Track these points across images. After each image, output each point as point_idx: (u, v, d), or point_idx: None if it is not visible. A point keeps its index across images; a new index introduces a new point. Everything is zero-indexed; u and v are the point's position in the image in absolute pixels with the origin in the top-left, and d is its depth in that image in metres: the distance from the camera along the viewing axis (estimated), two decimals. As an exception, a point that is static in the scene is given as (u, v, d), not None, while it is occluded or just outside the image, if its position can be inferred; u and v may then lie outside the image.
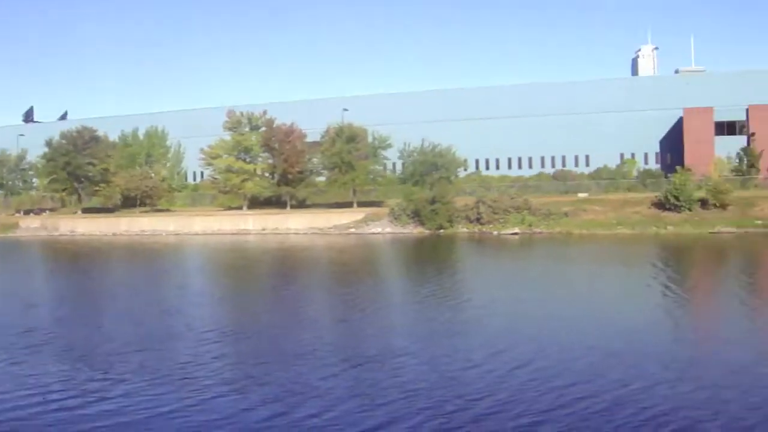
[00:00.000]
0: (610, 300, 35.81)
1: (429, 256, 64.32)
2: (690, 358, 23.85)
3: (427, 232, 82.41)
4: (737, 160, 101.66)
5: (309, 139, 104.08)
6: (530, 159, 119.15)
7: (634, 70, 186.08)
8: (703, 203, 78.55)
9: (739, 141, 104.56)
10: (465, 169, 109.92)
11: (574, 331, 27.60)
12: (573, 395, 19.47)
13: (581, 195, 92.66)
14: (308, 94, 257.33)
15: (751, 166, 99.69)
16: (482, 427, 17.35)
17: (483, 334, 27.59)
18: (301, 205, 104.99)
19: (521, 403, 18.94)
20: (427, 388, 20.54)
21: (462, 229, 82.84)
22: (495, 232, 79.43)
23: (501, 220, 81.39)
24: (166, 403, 19.66)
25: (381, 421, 18.00)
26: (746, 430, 16.79)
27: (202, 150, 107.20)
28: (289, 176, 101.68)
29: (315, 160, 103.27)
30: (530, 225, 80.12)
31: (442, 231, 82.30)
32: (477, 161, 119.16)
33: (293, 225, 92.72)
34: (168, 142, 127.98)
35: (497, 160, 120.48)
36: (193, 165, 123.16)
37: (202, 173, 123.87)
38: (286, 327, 30.21)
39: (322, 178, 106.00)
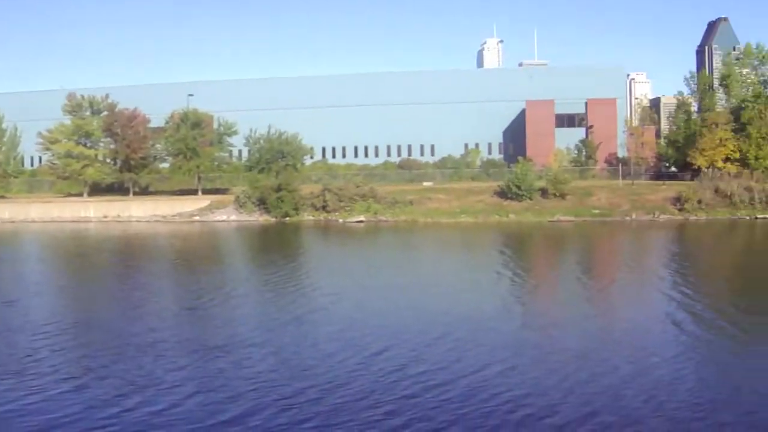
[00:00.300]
0: (457, 288, 36.48)
1: (275, 244, 63.92)
2: (537, 343, 24.59)
3: (272, 219, 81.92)
4: (576, 152, 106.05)
5: (153, 125, 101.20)
6: (376, 148, 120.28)
7: (480, 62, 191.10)
8: (544, 192, 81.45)
9: (578, 133, 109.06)
10: (311, 157, 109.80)
11: (423, 319, 28.02)
12: (426, 383, 19.74)
13: (426, 184, 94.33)
14: (152, 78, 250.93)
15: (589, 157, 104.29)
16: (335, 419, 17.29)
17: (332, 322, 27.60)
18: (144, 192, 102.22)
19: (375, 393, 19.03)
20: (277, 379, 20.39)
21: (308, 216, 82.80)
22: (341, 220, 79.80)
23: (347, 208, 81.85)
24: (3, 402, 18.71)
25: (232, 415, 17.71)
26: (593, 413, 17.44)
27: (40, 134, 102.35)
28: (132, 162, 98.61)
29: (159, 146, 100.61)
30: (376, 213, 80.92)
31: (287, 219, 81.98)
32: (323, 149, 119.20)
33: (136, 212, 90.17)
34: (3, 125, 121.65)
35: (344, 149, 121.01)
36: (30, 149, 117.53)
37: (40, 158, 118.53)
38: (129, 317, 29.35)
39: (165, 165, 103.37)
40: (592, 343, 24.59)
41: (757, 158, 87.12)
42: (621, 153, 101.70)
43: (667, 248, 56.74)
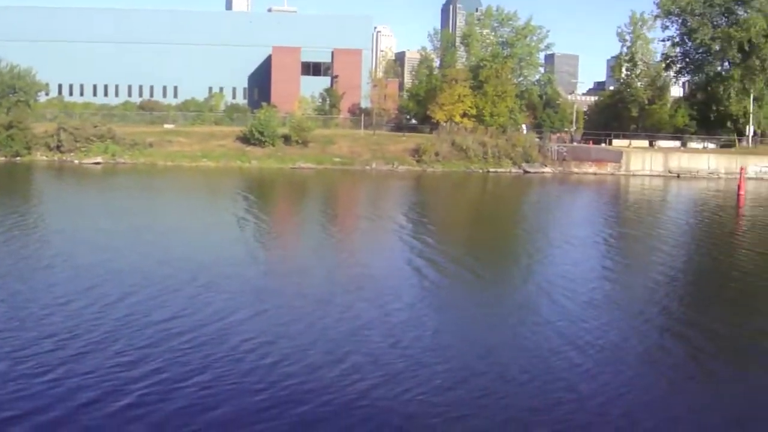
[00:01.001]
0: (199, 233, 35.48)
1: (3, 186, 58.84)
2: (282, 290, 24.13)
3: (2, 159, 75.55)
4: (321, 100, 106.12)
5: None
6: (117, 87, 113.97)
7: (229, 5, 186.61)
8: (287, 139, 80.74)
9: (323, 82, 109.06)
10: (46, 94, 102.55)
11: (166, 265, 26.83)
12: (172, 330, 18.80)
13: (167, 126, 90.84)
14: None
15: (333, 106, 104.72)
16: (78, 369, 15.89)
17: (68, 268, 25.74)
18: None
19: (120, 341, 17.82)
20: (7, 330, 18.49)
21: (41, 157, 77.23)
22: (77, 161, 75.07)
23: (83, 149, 77.12)
24: None
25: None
26: (342, 356, 17.19)
27: None
28: None
29: None
30: (114, 155, 76.84)
31: (18, 158, 76.02)
32: (60, 86, 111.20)
33: None
34: None
35: (81, 87, 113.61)
36: None
37: None
38: None
39: None
40: (336, 288, 24.46)
41: (492, 115, 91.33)
42: (364, 104, 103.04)
43: (406, 197, 58.09)
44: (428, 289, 24.83)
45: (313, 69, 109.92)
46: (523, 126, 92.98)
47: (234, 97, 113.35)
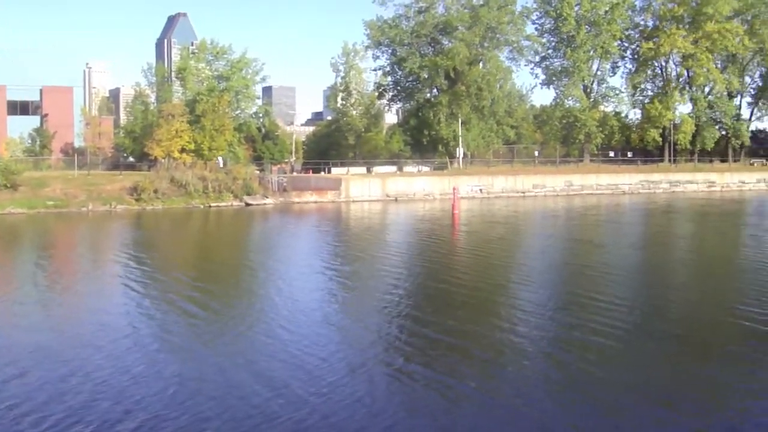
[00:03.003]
0: None
1: None
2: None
3: None
4: (30, 141, 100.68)
5: None
6: None
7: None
8: (-6, 184, 75.49)
9: (32, 121, 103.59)
10: None
11: None
12: None
13: None
14: None
15: (44, 146, 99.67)
16: None
17: None
18: None
19: None
20: None
21: None
22: None
23: None
24: None
25: None
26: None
27: None
28: None
29: None
30: None
31: None
32: None
33: None
34: None
35: None
36: None
37: None
38: None
39: None
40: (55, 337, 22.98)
41: (210, 149, 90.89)
42: (78, 143, 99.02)
43: (123, 238, 55.86)
44: (156, 335, 23.79)
45: (20, 108, 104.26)
46: (219, 158, 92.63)
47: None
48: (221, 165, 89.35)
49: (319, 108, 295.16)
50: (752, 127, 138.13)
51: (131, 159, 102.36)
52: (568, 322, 24.30)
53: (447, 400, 17.19)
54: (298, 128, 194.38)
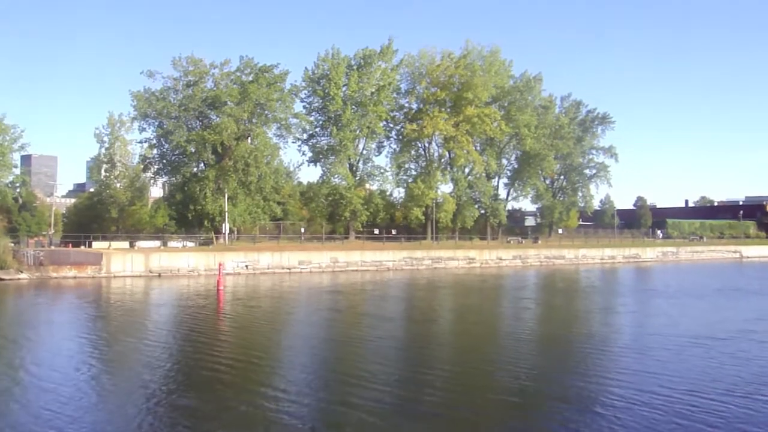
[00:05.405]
0: None
1: None
2: None
3: None
4: None
5: None
6: None
7: None
8: None
9: None
10: None
11: None
12: None
13: None
14: None
15: None
16: None
17: None
18: None
19: None
20: None
21: None
22: None
23: None
24: None
25: None
26: None
27: None
28: None
29: None
30: None
31: None
32: None
33: None
34: None
35: None
36: None
37: None
38: None
39: None
40: None
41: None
42: None
43: None
44: None
45: None
46: None
47: None
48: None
49: (82, 179, 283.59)
50: (509, 207, 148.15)
51: None
52: (329, 399, 24.11)
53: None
54: (58, 200, 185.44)
